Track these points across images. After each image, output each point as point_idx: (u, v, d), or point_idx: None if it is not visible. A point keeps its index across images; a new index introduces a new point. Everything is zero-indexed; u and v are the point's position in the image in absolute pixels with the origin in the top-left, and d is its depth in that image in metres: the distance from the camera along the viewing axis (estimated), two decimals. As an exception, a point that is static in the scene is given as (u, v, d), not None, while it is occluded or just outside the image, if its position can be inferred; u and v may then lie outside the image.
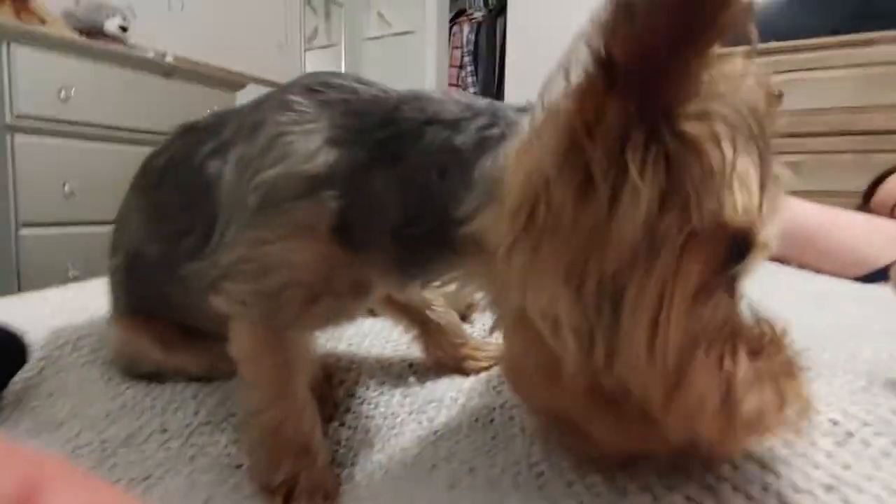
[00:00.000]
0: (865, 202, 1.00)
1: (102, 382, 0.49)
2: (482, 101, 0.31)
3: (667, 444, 0.24)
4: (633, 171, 0.21)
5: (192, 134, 0.43)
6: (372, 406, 0.45)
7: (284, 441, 0.37)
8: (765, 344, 0.24)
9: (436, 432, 0.40)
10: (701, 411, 0.22)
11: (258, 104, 0.38)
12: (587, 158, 0.22)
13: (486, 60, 3.39)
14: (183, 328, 0.47)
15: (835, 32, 1.67)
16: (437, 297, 0.50)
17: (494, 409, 0.39)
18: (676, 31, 0.19)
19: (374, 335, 0.54)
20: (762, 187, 0.23)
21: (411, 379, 0.48)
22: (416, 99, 0.32)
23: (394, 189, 0.31)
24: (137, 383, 0.47)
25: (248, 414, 0.38)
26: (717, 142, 0.22)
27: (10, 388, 0.48)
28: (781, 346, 0.24)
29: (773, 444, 0.26)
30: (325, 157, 0.32)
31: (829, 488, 0.24)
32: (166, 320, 0.47)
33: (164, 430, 0.40)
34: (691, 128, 0.22)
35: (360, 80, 0.36)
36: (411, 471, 0.36)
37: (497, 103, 0.31)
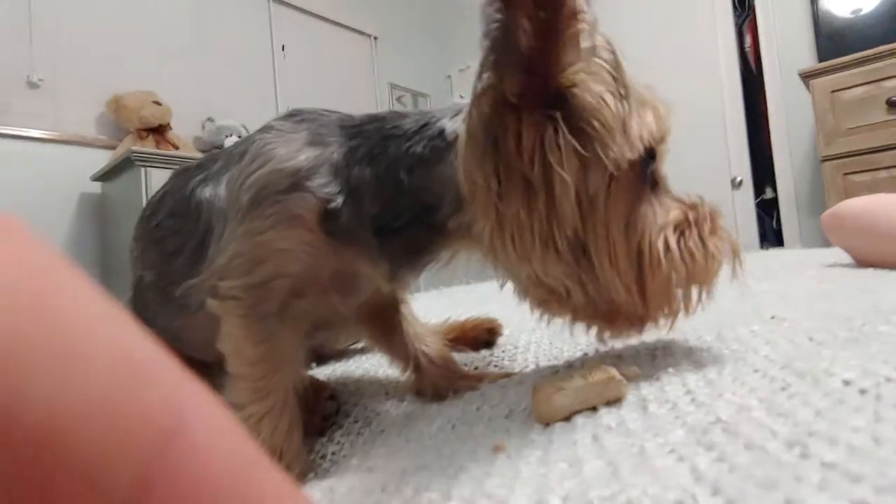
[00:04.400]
0: None
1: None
2: (427, 116, 0.37)
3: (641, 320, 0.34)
4: (556, 164, 0.29)
5: (184, 172, 0.47)
6: (361, 423, 0.43)
7: (260, 442, 0.36)
8: (692, 208, 0.33)
9: (412, 442, 0.36)
10: (664, 292, 0.32)
11: (244, 138, 0.42)
12: (522, 169, 0.29)
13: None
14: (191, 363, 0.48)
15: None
16: (429, 332, 0.48)
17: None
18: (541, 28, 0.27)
19: (376, 360, 0.52)
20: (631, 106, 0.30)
21: (408, 398, 0.45)
22: (375, 119, 0.38)
23: (371, 183, 0.36)
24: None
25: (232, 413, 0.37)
26: (602, 99, 0.29)
27: None
28: (702, 208, 0.33)
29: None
30: (307, 155, 0.37)
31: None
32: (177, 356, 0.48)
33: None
34: (580, 97, 0.29)
35: (327, 109, 0.41)
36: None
37: (435, 114, 0.37)
